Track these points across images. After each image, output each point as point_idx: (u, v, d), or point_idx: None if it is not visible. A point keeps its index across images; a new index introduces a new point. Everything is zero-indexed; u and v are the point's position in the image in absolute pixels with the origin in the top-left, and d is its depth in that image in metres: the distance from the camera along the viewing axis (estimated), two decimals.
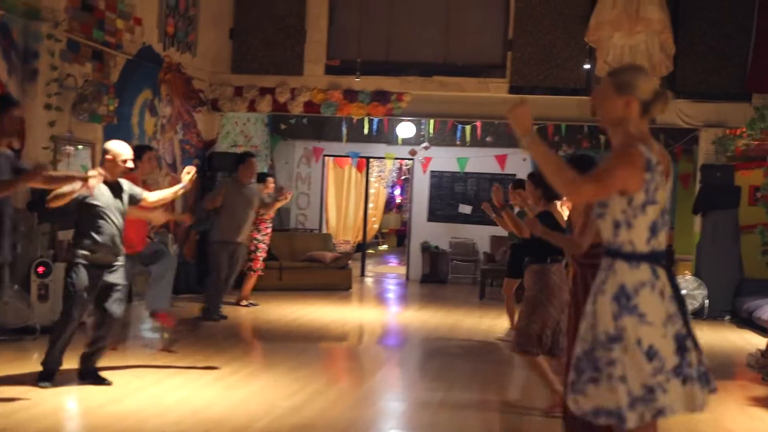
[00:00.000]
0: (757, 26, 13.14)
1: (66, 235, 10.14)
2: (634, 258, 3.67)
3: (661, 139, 15.04)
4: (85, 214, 7.08)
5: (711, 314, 13.42)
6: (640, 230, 3.67)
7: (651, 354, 3.59)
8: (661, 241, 3.72)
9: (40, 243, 9.66)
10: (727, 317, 13.42)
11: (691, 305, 13.45)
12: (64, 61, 10.11)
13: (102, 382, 7.22)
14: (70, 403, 6.86)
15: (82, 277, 7.02)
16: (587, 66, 13.64)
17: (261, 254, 12.21)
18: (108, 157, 7.26)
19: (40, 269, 9.40)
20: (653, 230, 3.69)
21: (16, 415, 6.21)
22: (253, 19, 14.46)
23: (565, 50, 13.75)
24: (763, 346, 9.51)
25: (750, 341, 11.27)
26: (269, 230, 12.34)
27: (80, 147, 10.65)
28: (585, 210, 5.62)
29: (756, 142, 10.96)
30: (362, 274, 17.95)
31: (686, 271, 13.96)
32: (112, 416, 6.31)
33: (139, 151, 8.77)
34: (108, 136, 10.79)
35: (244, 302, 12.29)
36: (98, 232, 7.08)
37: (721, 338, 11.66)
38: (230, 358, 8.75)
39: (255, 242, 12.12)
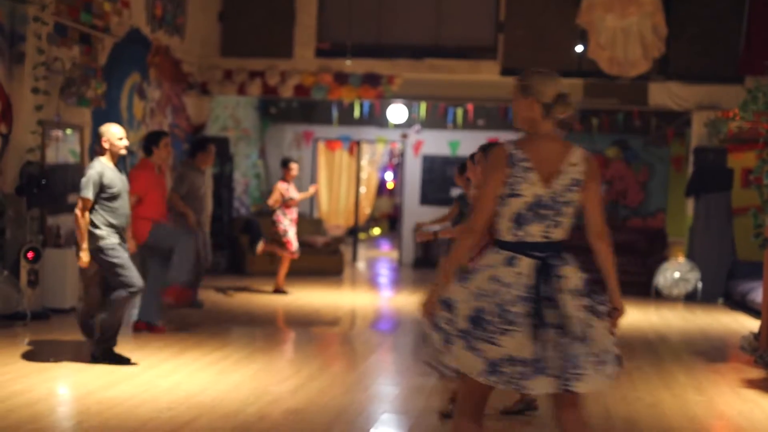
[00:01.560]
0: (749, 8, 13.09)
1: (55, 220, 10.08)
2: (498, 244, 4.00)
3: (653, 123, 15.05)
4: (104, 198, 7.22)
5: (704, 297, 13.42)
6: (504, 220, 3.97)
7: (448, 306, 3.97)
8: (532, 233, 3.94)
9: (29, 228, 9.57)
10: (720, 300, 13.43)
11: (684, 288, 13.45)
12: (51, 45, 9.99)
13: (123, 361, 7.36)
14: (62, 389, 6.81)
15: (118, 248, 7.25)
16: (580, 48, 13.58)
17: (291, 237, 12.07)
18: (104, 139, 7.32)
19: (30, 255, 9.32)
20: (518, 221, 3.95)
21: (9, 400, 6.16)
22: (242, 2, 14.36)
23: (557, 32, 13.69)
24: (755, 329, 9.50)
25: (743, 324, 11.27)
26: (295, 216, 12.22)
27: (68, 131, 10.56)
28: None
29: (748, 125, 10.88)
30: (354, 259, 17.91)
31: (679, 254, 13.95)
32: (105, 402, 6.26)
33: (155, 137, 8.94)
34: (96, 120, 10.73)
35: (284, 289, 12.25)
36: (116, 214, 7.29)
37: (714, 321, 11.66)
38: (222, 343, 8.72)
39: (282, 227, 12.01)
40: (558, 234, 3.97)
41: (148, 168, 8.84)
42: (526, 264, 3.90)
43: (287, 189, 12.02)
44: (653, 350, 9.46)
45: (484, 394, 4.04)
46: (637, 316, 11.72)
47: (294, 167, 12.21)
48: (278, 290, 12.28)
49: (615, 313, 4.03)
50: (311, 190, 13.35)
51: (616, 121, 15.15)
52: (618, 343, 3.99)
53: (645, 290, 13.84)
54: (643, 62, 13.25)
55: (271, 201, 12.19)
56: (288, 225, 12.04)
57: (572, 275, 3.93)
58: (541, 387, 3.81)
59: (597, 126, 15.28)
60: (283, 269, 12.28)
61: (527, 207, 3.92)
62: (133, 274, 7.30)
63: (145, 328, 8.83)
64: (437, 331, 3.98)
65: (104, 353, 7.35)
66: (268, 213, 12.76)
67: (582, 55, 13.54)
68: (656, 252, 14.74)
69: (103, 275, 7.55)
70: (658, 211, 16.18)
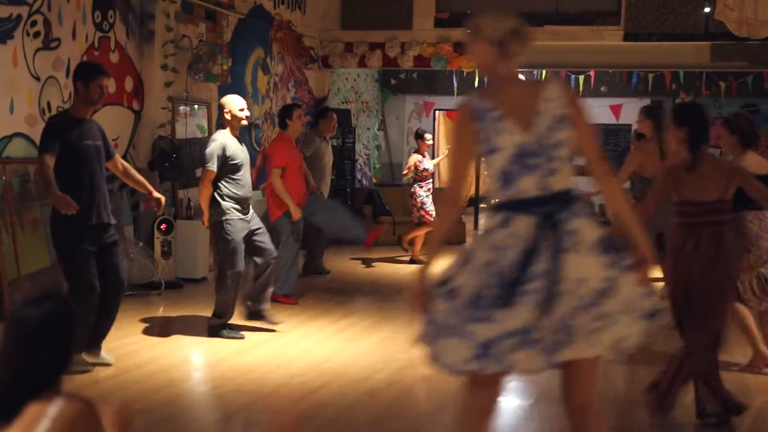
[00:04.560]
0: None
1: (186, 193, 10.39)
2: (494, 208, 3.51)
3: None
4: (227, 169, 7.32)
5: None
6: (491, 180, 3.51)
7: (450, 294, 3.42)
8: (524, 188, 3.41)
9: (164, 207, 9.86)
10: None
11: None
12: (178, 22, 10.27)
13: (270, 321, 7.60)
14: (196, 356, 7.05)
15: (238, 227, 7.33)
16: (706, 10, 13.16)
17: (429, 208, 12.13)
18: (225, 111, 7.44)
19: (163, 226, 9.65)
20: (506, 179, 3.44)
21: (147, 366, 6.42)
22: None
23: None
24: None
25: None
26: (431, 187, 12.27)
27: (196, 106, 10.84)
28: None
29: None
30: (476, 228, 17.86)
31: None
32: (237, 368, 6.47)
33: (288, 110, 9.08)
34: (222, 96, 10.95)
35: (415, 258, 12.37)
36: (240, 185, 7.38)
37: None
38: (348, 312, 8.86)
39: (419, 199, 12.06)
40: (560, 183, 3.42)
41: (286, 140, 9.00)
42: (522, 223, 3.38)
43: (421, 161, 12.07)
44: None
45: (495, 390, 3.57)
46: None
47: (428, 138, 12.30)
48: (414, 260, 12.35)
49: (642, 264, 3.47)
50: (445, 151, 13.52)
51: (745, 84, 14.67)
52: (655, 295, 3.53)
53: None
54: None
55: (405, 171, 12.31)
56: (424, 196, 12.09)
57: (585, 229, 3.39)
58: (526, 363, 3.31)
59: (725, 90, 14.82)
60: (420, 240, 12.36)
61: (511, 160, 3.42)
62: (238, 258, 7.33)
63: (279, 300, 9.01)
64: (430, 325, 3.49)
65: (219, 329, 7.46)
66: (398, 185, 12.76)
67: (709, 17, 13.12)
68: None
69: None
70: None
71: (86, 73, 6.29)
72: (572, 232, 3.36)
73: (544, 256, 3.32)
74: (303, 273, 10.60)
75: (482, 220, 18.59)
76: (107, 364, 6.35)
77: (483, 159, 3.51)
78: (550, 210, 3.38)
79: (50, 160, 6.01)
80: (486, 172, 3.53)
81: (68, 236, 6.10)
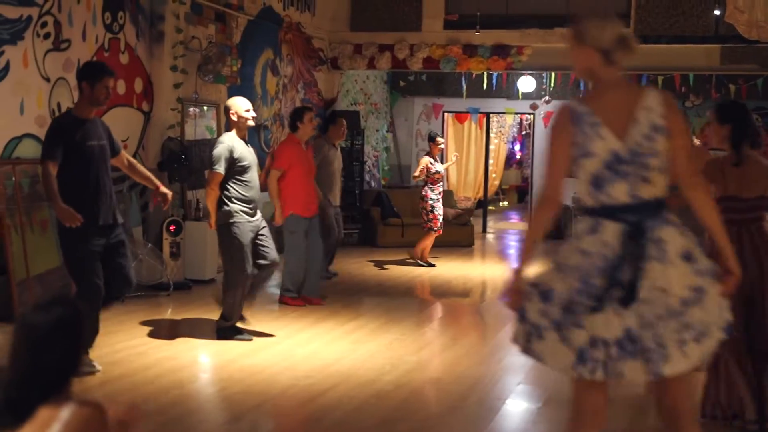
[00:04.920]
0: None
1: (194, 194, 10.40)
2: (584, 212, 3.56)
3: None
4: (235, 171, 7.28)
5: None
6: (582, 184, 3.54)
7: (545, 295, 3.50)
8: (615, 195, 3.46)
9: (171, 202, 9.87)
10: None
11: None
12: (188, 24, 10.29)
13: (244, 338, 7.47)
14: (204, 357, 7.06)
15: (245, 230, 7.27)
16: (716, 12, 13.13)
17: (438, 213, 12.15)
18: (231, 112, 7.39)
19: (172, 227, 9.67)
20: (596, 184, 3.49)
21: (155, 367, 6.43)
22: None
23: None
24: None
25: None
26: (441, 190, 12.25)
27: (205, 108, 10.86)
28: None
29: None
30: (484, 231, 17.85)
31: None
32: (246, 369, 6.47)
33: (299, 113, 9.07)
34: (232, 97, 10.99)
35: (424, 261, 12.37)
36: (248, 187, 7.34)
37: None
38: (356, 314, 8.86)
39: (429, 203, 12.07)
40: (650, 191, 3.46)
41: (294, 143, 8.98)
42: (610, 230, 3.43)
43: (433, 163, 12.04)
44: None
45: (602, 395, 3.57)
46: None
47: (441, 141, 12.27)
48: (422, 263, 12.35)
49: (727, 277, 3.51)
50: (453, 158, 13.63)
51: (755, 87, 14.62)
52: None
53: None
54: None
55: (416, 173, 12.27)
56: (435, 200, 12.06)
57: (675, 238, 3.42)
58: (632, 373, 3.36)
59: (735, 93, 14.78)
60: (429, 243, 12.36)
61: (604, 166, 3.46)
62: (245, 260, 7.27)
63: (287, 302, 9.00)
64: (524, 324, 3.56)
65: (227, 332, 7.44)
66: (406, 186, 12.69)
67: (719, 20, 13.09)
68: None
69: None
70: None
71: (92, 74, 6.23)
72: (659, 240, 3.41)
73: (629, 264, 3.38)
74: None
75: (491, 223, 18.62)
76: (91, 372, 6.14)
77: (575, 161, 3.54)
78: (639, 218, 3.44)
79: (53, 168, 5.99)
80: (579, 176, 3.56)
81: (75, 238, 6.08)
